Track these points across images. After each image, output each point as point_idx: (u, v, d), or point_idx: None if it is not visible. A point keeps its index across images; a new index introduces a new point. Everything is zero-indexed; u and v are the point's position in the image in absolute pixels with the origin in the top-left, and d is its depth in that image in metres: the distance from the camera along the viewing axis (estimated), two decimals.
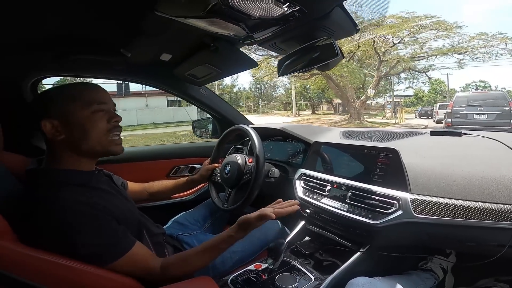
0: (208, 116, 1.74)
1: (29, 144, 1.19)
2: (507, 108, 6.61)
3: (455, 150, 0.89)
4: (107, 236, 0.64)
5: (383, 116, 18.71)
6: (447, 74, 29.10)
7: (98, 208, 0.64)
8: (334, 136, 1.23)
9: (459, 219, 0.69)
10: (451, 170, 0.76)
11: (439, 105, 15.51)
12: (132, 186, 1.08)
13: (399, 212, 0.76)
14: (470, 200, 0.69)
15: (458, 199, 0.70)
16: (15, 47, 0.95)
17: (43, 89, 1.09)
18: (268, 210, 0.77)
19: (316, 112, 26.61)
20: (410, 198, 0.76)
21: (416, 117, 20.04)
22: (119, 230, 0.66)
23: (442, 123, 11.32)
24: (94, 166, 0.77)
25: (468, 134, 0.95)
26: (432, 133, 1.03)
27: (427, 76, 17.48)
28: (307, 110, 27.97)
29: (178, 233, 1.03)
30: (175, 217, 1.15)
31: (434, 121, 14.73)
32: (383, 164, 0.87)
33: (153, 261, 0.70)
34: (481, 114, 6.93)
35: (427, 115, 18.96)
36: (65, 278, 0.57)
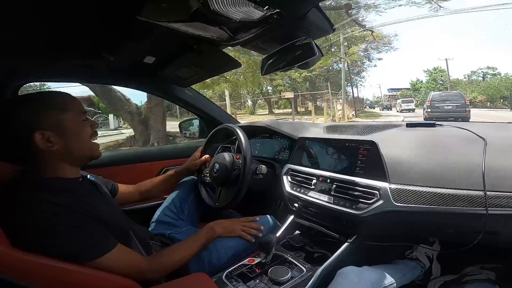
0: (194, 116, 1.74)
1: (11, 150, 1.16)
2: (463, 102, 11.10)
3: (430, 140, 0.94)
4: (84, 236, 0.64)
5: (331, 114, 13.43)
6: (446, 59, 24.91)
7: (78, 210, 0.65)
8: (318, 131, 1.27)
9: (435, 206, 0.73)
10: (426, 160, 0.80)
11: (402, 100, 24.25)
12: (123, 188, 1.10)
13: (380, 202, 0.80)
14: (445, 188, 0.73)
15: (434, 187, 0.74)
16: None
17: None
18: (238, 227, 0.99)
19: (273, 110, 22.81)
20: (389, 188, 0.80)
21: (380, 110, 28.45)
22: (96, 231, 0.67)
23: (403, 112, 20.49)
24: (79, 173, 0.78)
25: (442, 125, 1.00)
26: (408, 125, 1.08)
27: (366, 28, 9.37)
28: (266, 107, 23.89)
29: (168, 232, 1.05)
30: (155, 218, 1.14)
31: (397, 111, 22.21)
32: (364, 156, 0.90)
33: (138, 261, 0.72)
34: (448, 105, 11.12)
35: (387, 108, 28.43)
36: (60, 280, 0.58)
